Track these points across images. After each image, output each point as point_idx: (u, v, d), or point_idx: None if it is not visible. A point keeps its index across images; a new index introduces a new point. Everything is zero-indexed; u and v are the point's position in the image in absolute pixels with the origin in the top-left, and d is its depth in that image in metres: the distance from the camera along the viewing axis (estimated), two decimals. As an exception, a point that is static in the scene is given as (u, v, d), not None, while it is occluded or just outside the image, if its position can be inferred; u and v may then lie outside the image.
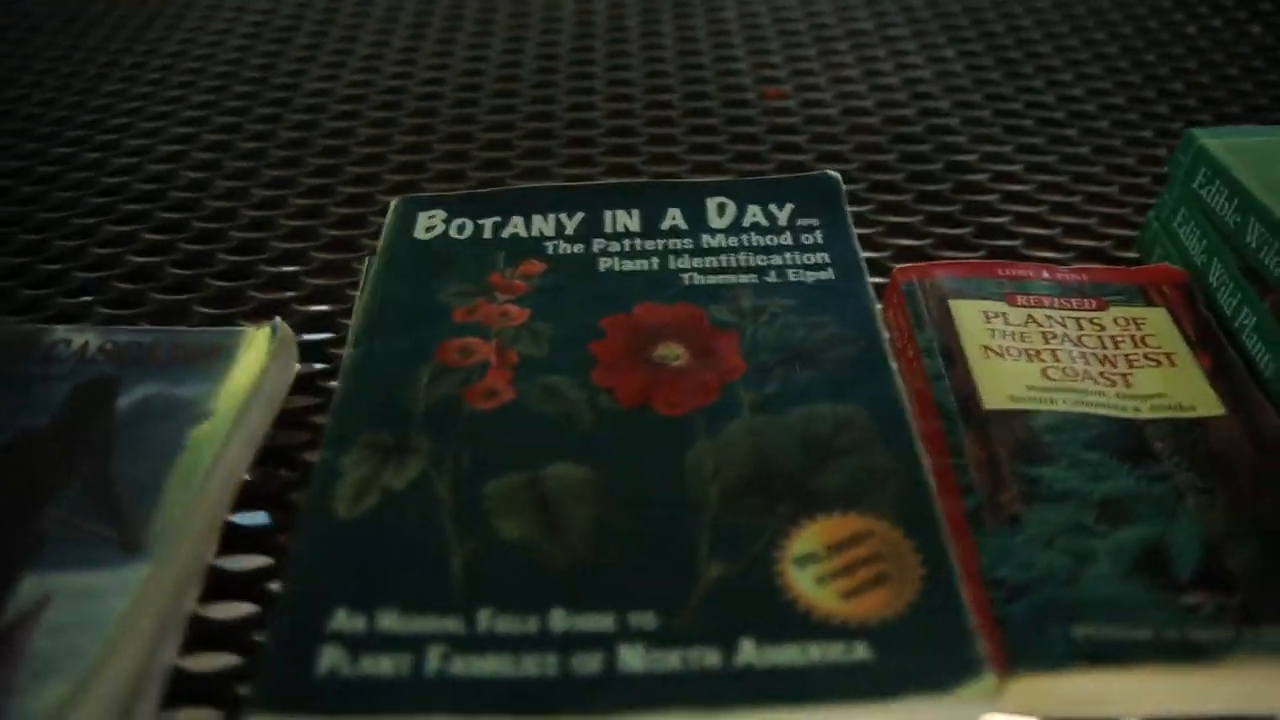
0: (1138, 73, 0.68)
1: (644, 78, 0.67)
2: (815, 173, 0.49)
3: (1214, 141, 0.47)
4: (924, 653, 0.30)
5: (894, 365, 0.40)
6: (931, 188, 0.56)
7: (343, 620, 0.31)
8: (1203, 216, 0.46)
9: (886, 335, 0.41)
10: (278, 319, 0.43)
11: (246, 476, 0.39)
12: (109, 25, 0.76)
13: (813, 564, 0.33)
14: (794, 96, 0.64)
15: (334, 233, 0.53)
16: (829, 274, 0.43)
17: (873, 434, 0.36)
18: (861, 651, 0.30)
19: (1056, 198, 0.56)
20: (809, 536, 0.33)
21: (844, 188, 0.48)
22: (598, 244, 0.46)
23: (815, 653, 0.30)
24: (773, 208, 0.47)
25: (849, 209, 0.47)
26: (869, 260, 0.46)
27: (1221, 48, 0.71)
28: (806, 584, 0.32)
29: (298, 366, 0.44)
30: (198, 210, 0.56)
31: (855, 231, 0.46)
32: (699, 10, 0.76)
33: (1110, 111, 0.64)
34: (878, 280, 0.45)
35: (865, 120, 0.62)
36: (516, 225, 0.47)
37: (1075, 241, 0.53)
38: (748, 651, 0.30)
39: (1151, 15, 0.75)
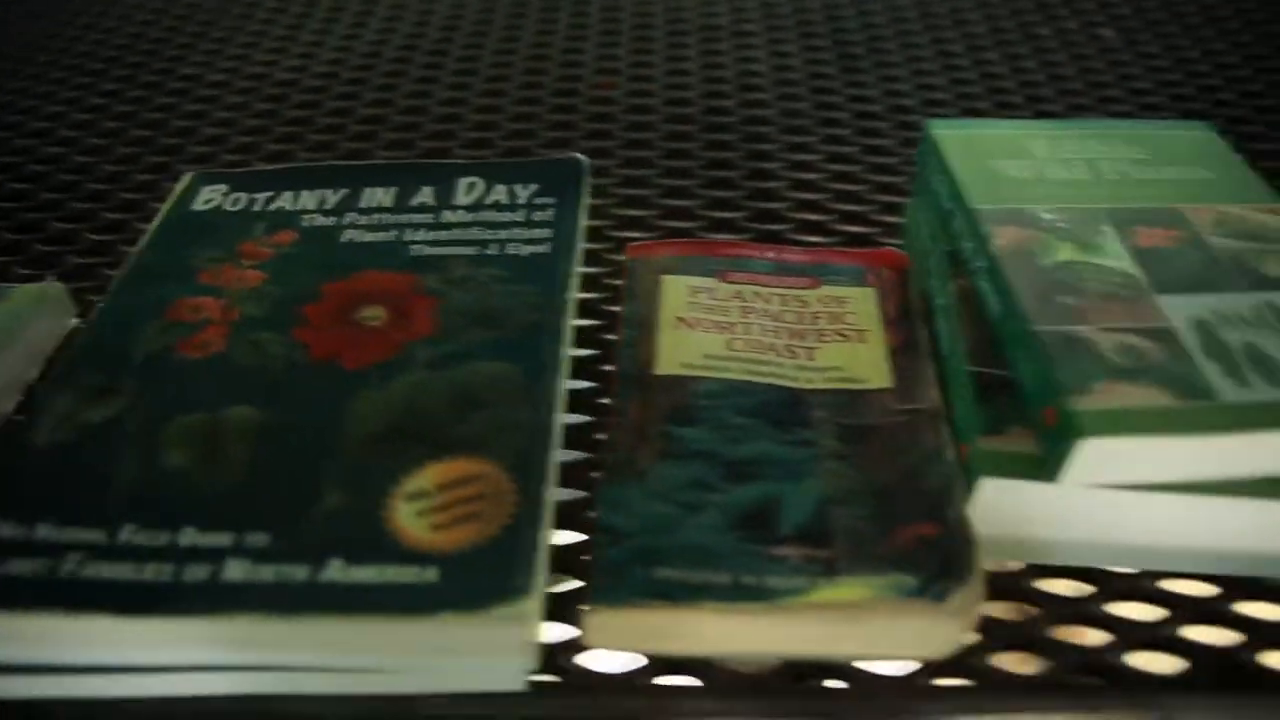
0: (975, 70, 0.70)
1: (521, 73, 0.70)
2: (563, 156, 0.52)
3: (943, 132, 0.50)
4: (480, 579, 0.33)
5: (565, 331, 0.42)
6: (723, 173, 0.59)
7: (4, 529, 0.35)
8: (933, 204, 0.49)
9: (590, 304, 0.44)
10: (51, 279, 0.47)
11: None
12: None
13: (420, 500, 0.36)
14: (622, 88, 0.67)
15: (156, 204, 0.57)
16: (546, 248, 0.46)
17: (519, 391, 0.39)
18: (430, 575, 0.33)
19: (846, 186, 0.58)
20: (425, 476, 0.36)
21: (588, 171, 0.51)
22: (349, 217, 0.49)
23: (391, 574, 0.33)
24: (517, 188, 0.50)
25: (588, 192, 0.50)
26: (640, 239, 0.49)
27: (1068, 48, 0.73)
28: (407, 516, 0.35)
29: (74, 320, 0.48)
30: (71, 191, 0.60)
31: (585, 211, 0.49)
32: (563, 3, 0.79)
33: (934, 107, 0.66)
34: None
35: (684, 110, 0.65)
36: (285, 199, 0.51)
37: (846, 227, 0.55)
38: (334, 569, 0.33)
39: (1010, 16, 0.77)
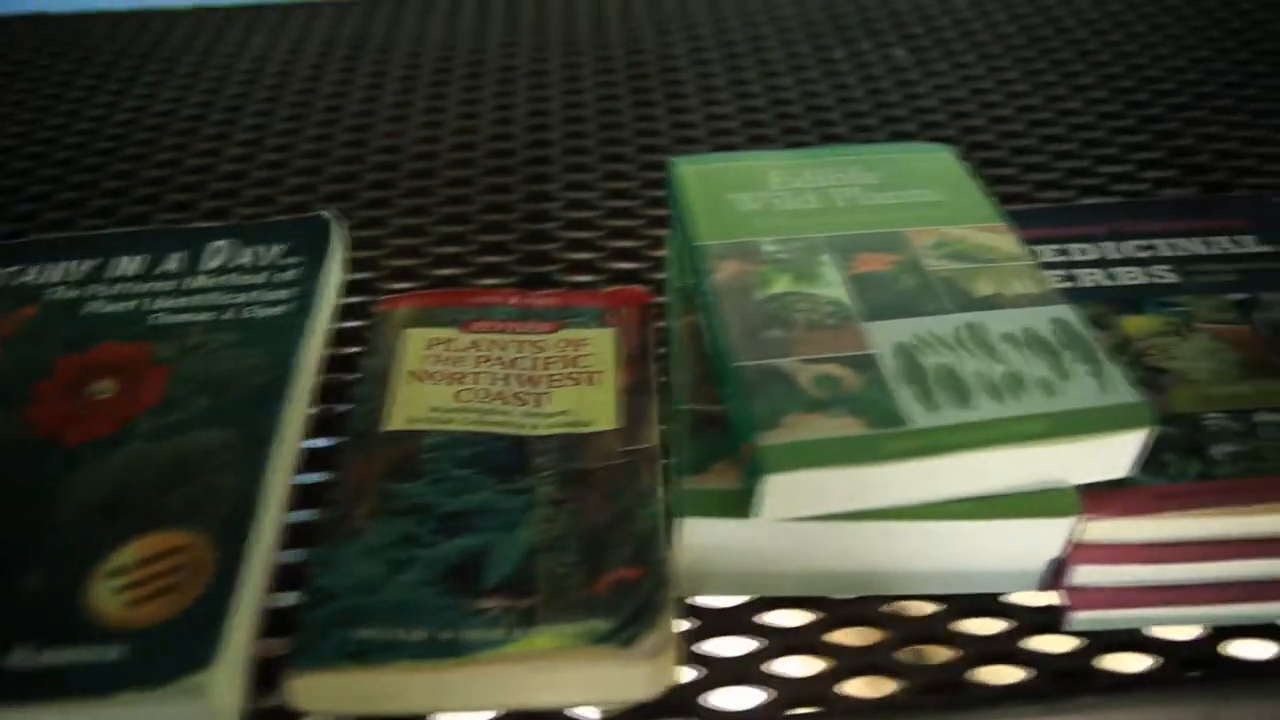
0: (766, 98, 0.71)
1: (313, 125, 0.70)
2: (310, 215, 0.53)
3: (684, 167, 0.51)
4: (166, 653, 0.33)
5: (294, 393, 0.43)
6: (500, 216, 0.60)
7: None
8: (680, 238, 0.49)
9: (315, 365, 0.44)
10: None
11: None
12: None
13: (119, 576, 0.36)
14: (411, 134, 0.68)
15: None
16: (284, 310, 0.46)
17: (234, 458, 0.39)
18: (116, 653, 0.33)
19: (622, 223, 0.59)
20: (128, 552, 0.36)
21: (337, 228, 0.51)
22: (94, 289, 0.49)
23: (81, 655, 0.33)
24: (263, 249, 0.50)
25: (341, 248, 0.50)
26: (410, 289, 0.50)
27: (860, 70, 0.74)
28: (106, 594, 0.35)
29: None
30: None
31: (335, 268, 0.49)
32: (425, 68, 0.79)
33: (720, 137, 0.67)
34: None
35: (469, 155, 0.66)
36: (31, 273, 0.50)
37: (617, 264, 0.56)
38: (21, 655, 0.33)
39: (806, 40, 0.78)
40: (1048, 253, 0.52)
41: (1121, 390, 0.39)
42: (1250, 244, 0.52)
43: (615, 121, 0.69)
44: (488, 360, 0.46)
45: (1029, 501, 0.38)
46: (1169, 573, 0.40)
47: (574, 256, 0.57)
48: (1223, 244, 0.52)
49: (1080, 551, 0.39)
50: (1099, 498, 0.39)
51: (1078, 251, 0.52)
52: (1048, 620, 0.40)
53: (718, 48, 0.78)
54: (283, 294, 0.47)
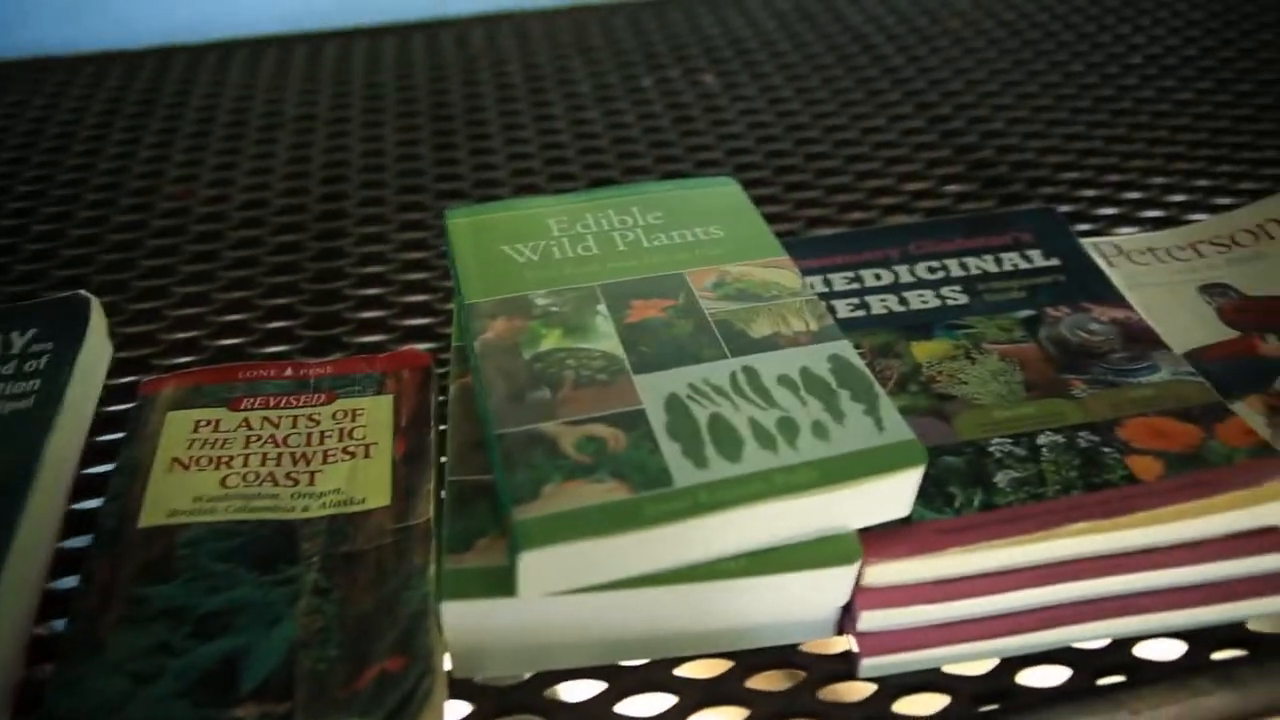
0: (570, 133, 0.70)
1: (92, 190, 0.67)
2: (66, 295, 0.49)
3: (457, 219, 0.49)
4: None
5: (31, 494, 0.39)
6: (289, 278, 0.57)
7: None
8: (459, 295, 0.48)
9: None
10: None
11: None
12: None
13: None
14: (197, 197, 0.65)
15: None
16: (31, 402, 0.43)
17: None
18: None
19: (417, 276, 0.57)
20: None
21: (94, 308, 0.48)
22: None
23: None
24: (15, 335, 0.47)
25: (102, 328, 0.47)
26: (187, 364, 0.47)
27: (667, 97, 0.74)
28: None
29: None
30: None
31: (97, 349, 0.46)
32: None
33: (522, 178, 0.65)
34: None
35: (259, 213, 0.63)
36: None
37: (409, 321, 0.54)
38: None
39: (616, 69, 0.77)
40: (840, 280, 0.51)
41: (895, 429, 0.38)
42: (1037, 258, 0.53)
43: (415, 169, 0.67)
44: (258, 439, 0.43)
45: (808, 552, 0.37)
46: (958, 609, 0.39)
47: (365, 315, 0.54)
48: (1013, 260, 0.52)
49: (866, 596, 0.39)
50: (881, 540, 0.38)
51: (871, 277, 0.52)
52: (843, 668, 0.39)
53: (525, 83, 0.76)
54: (31, 384, 0.44)
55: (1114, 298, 0.50)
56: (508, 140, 0.69)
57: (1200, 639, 0.41)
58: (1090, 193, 0.64)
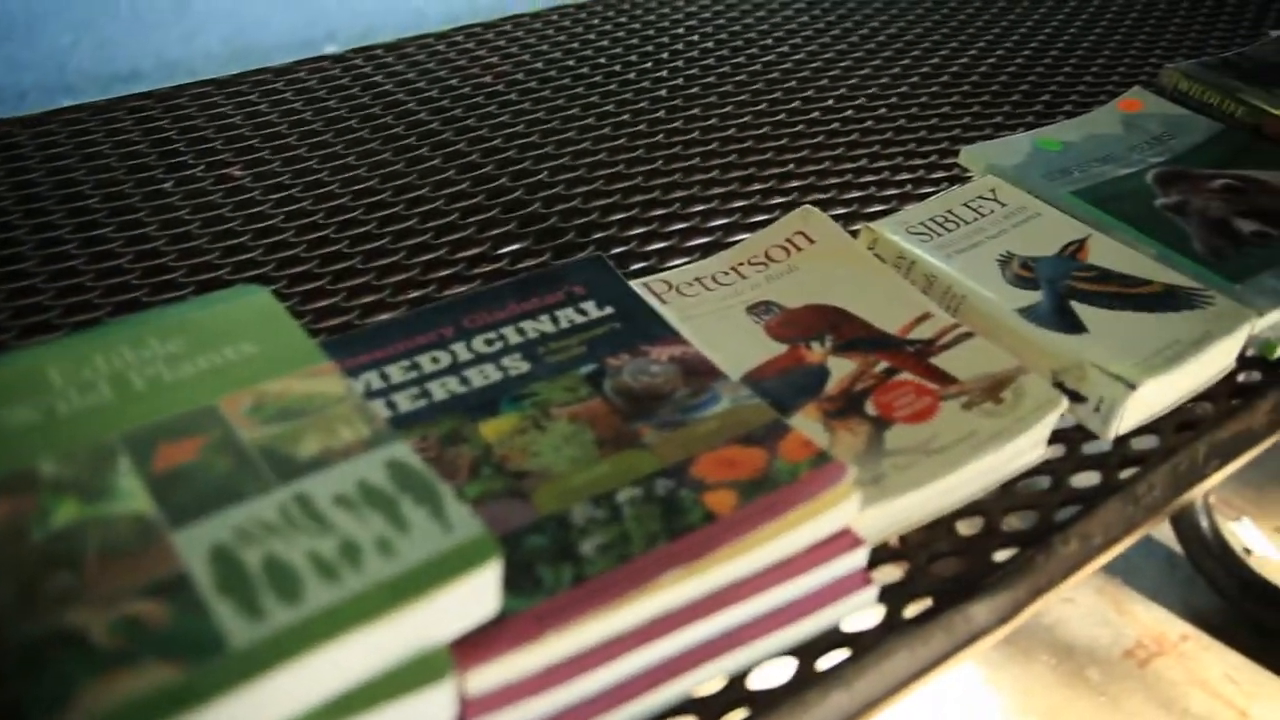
0: (87, 254, 0.64)
1: None
2: None
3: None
4: None
5: None
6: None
7: None
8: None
9: None
10: None
11: None
12: None
13: None
14: None
15: None
16: None
17: None
18: None
19: None
20: None
21: None
22: None
23: None
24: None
25: None
26: None
27: (192, 199, 0.69)
28: None
29: None
30: None
31: None
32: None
33: (21, 318, 0.59)
34: None
35: None
36: None
37: None
38: None
39: (127, 173, 0.72)
40: (397, 371, 0.50)
41: (463, 526, 0.37)
42: (592, 309, 0.53)
43: None
44: None
45: (396, 680, 0.35)
46: (576, 690, 0.39)
47: None
48: (569, 315, 0.53)
49: (475, 705, 0.37)
50: (474, 644, 0.37)
51: (429, 361, 0.50)
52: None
53: (17, 205, 0.69)
54: None
55: (670, 335, 0.52)
56: (4, 276, 0.62)
57: (806, 652, 0.43)
58: (638, 230, 0.66)
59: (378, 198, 0.69)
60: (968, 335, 0.53)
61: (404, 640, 0.35)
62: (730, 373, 0.50)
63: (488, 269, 0.63)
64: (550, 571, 0.40)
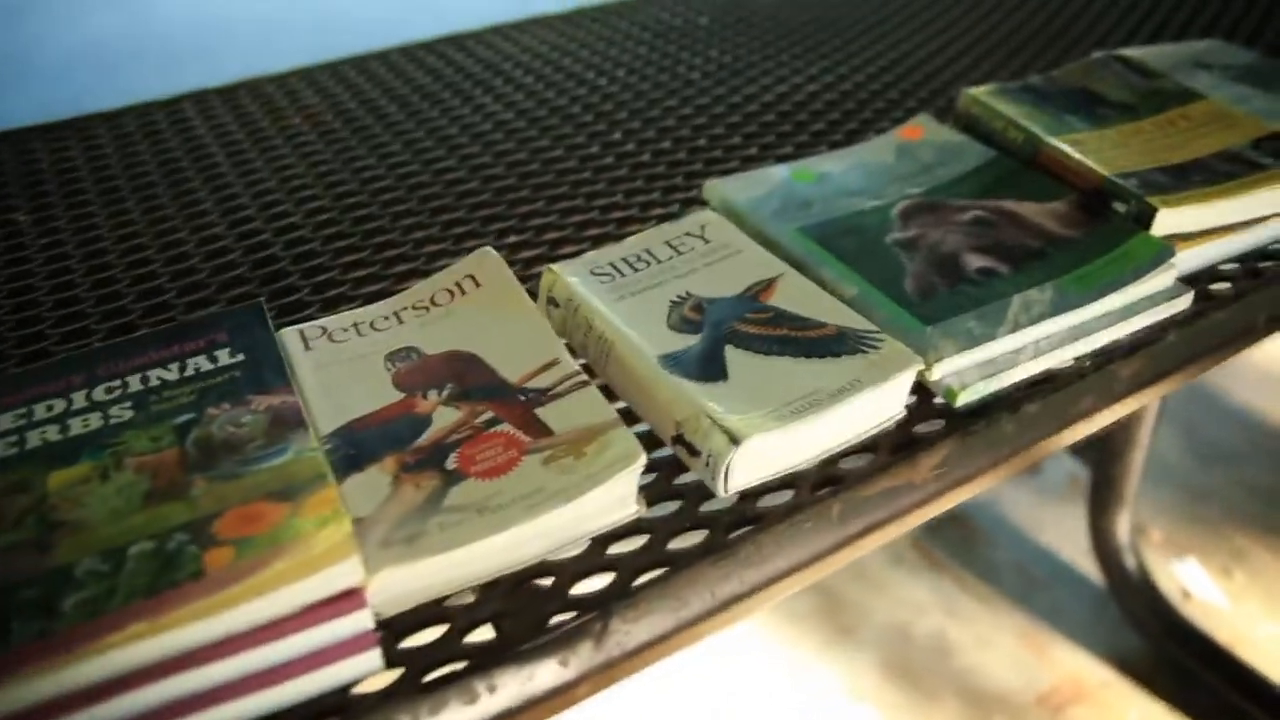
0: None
1: None
2: None
3: None
4: None
5: None
6: None
7: None
8: None
9: None
10: None
11: None
12: None
13: None
14: None
15: None
16: None
17: None
18: None
19: None
20: None
21: None
22: None
23: None
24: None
25: None
26: None
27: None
28: None
29: None
30: None
31: None
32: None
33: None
34: None
35: None
36: None
37: None
38: None
39: None
40: (9, 419, 0.52)
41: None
42: (224, 357, 0.55)
43: None
44: None
45: None
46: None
47: None
48: (196, 364, 0.55)
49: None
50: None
51: (42, 410, 0.53)
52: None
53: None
54: None
55: (281, 385, 0.53)
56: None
57: (300, 713, 0.43)
58: (360, 273, 0.67)
59: (139, 255, 0.72)
60: (583, 384, 0.53)
61: None
62: (331, 422, 0.51)
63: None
64: (22, 624, 0.41)
